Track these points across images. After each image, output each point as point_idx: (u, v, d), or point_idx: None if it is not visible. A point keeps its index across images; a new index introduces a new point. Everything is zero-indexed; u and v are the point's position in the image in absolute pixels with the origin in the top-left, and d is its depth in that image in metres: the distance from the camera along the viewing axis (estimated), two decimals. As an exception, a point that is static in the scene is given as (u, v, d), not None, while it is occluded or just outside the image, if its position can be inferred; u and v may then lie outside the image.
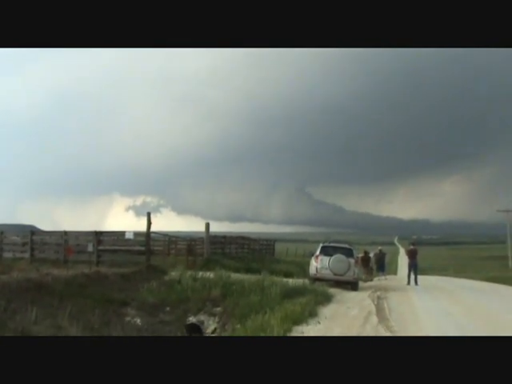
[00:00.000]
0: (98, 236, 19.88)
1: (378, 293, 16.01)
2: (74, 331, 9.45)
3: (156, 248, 23.04)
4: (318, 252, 18.06)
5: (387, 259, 33.07)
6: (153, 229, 19.52)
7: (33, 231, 23.23)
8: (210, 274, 16.26)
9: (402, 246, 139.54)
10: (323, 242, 19.02)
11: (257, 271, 18.86)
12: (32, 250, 21.39)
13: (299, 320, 9.99)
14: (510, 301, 16.08)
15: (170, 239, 25.81)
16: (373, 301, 13.61)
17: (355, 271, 17.59)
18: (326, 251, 17.88)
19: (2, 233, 23.11)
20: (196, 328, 12.79)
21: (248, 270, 20.05)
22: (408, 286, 20.35)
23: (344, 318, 10.85)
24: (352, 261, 17.43)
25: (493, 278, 28.21)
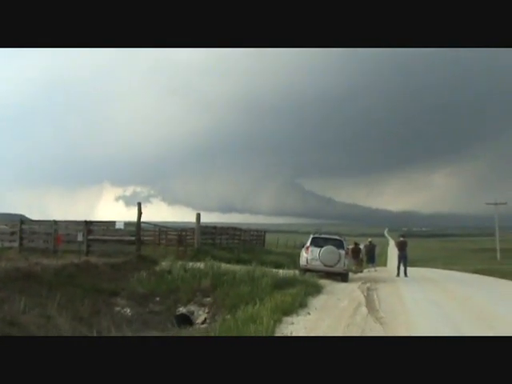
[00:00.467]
0: (88, 225, 19.76)
1: (368, 284, 16.10)
2: (62, 321, 9.40)
3: (146, 238, 22.98)
4: (308, 243, 18.10)
5: (377, 251, 33.27)
6: (143, 219, 19.43)
7: (22, 220, 22.99)
8: (201, 265, 16.25)
9: (392, 237, 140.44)
10: (314, 234, 19.06)
11: (247, 262, 18.89)
12: (21, 239, 21.21)
13: (289, 311, 10.01)
14: (497, 292, 16.24)
15: (161, 229, 25.74)
16: (362, 292, 13.68)
17: (345, 262, 17.66)
18: (316, 242, 17.93)
19: (-10, 222, 22.92)
20: (186, 318, 12.79)
21: (238, 261, 20.08)
22: (397, 278, 20.49)
23: (334, 308, 10.89)
24: (342, 252, 17.50)
25: (481, 270, 28.47)
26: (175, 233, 24.77)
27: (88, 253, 18.73)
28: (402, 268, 21.40)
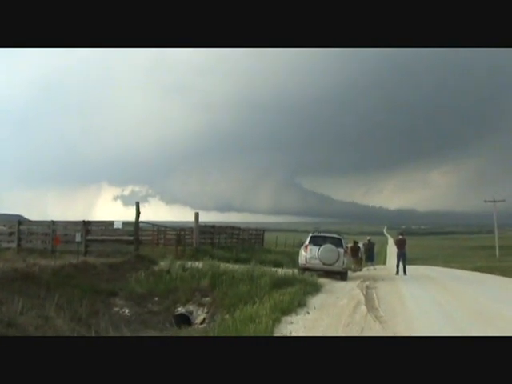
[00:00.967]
0: (87, 226, 19.71)
1: (367, 283, 16.06)
2: (61, 322, 9.35)
3: (145, 238, 22.96)
4: (307, 242, 18.07)
5: (376, 249, 33.27)
6: (141, 218, 19.38)
7: (20, 221, 22.94)
8: (199, 264, 16.21)
9: (391, 236, 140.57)
10: (313, 232, 19.04)
11: (246, 261, 18.85)
12: (19, 239, 21.17)
13: (288, 310, 9.98)
14: (496, 290, 16.21)
15: (159, 229, 25.70)
16: (362, 290, 13.64)
17: (344, 261, 17.63)
18: (315, 241, 17.89)
19: (-12, 222, 22.85)
20: (185, 318, 12.75)
21: (237, 260, 20.06)
22: (397, 276, 20.47)
23: (333, 307, 10.85)
24: (341, 251, 17.46)
25: (480, 267, 28.45)
26: (174, 232, 24.73)
27: (86, 253, 18.68)
28: (401, 266, 21.38)
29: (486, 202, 52.34)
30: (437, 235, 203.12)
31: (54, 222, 20.97)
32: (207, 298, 13.47)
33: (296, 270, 17.16)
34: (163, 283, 14.34)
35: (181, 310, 13.15)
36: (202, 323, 12.39)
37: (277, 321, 8.88)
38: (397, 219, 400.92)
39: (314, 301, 11.71)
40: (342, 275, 17.56)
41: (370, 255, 27.78)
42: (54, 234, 20.01)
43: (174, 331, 11.00)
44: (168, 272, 15.40)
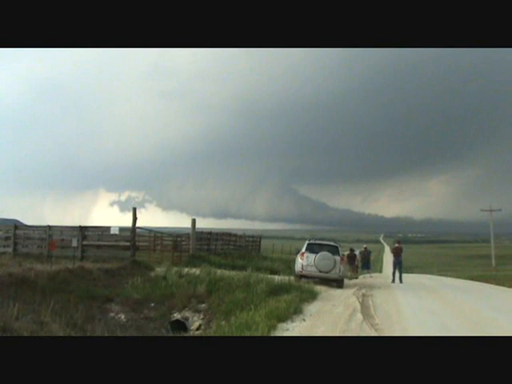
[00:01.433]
0: (83, 231, 19.69)
1: (363, 290, 16.06)
2: (56, 327, 9.32)
3: (141, 244, 22.90)
4: (303, 249, 18.07)
5: (372, 257, 33.29)
6: (138, 224, 19.38)
7: (16, 225, 22.90)
8: (196, 271, 16.18)
9: (388, 244, 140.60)
10: (309, 240, 19.03)
11: (243, 268, 18.82)
12: (15, 244, 21.14)
13: (284, 317, 9.98)
14: (492, 299, 16.22)
15: (156, 235, 25.66)
16: (358, 298, 13.63)
17: (341, 269, 17.62)
18: (311, 248, 17.89)
19: (-16, 227, 22.78)
20: (181, 324, 12.72)
21: (234, 267, 20.03)
22: (393, 284, 20.46)
23: (329, 315, 10.84)
24: (338, 258, 17.46)
25: (476, 276, 28.55)
26: (170, 238, 24.68)
27: (82, 258, 18.66)
28: (397, 274, 21.38)
29: (482, 211, 52.44)
30: (433, 243, 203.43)
31: (50, 227, 20.94)
32: (203, 305, 13.45)
33: (292, 277, 17.15)
34: (159, 289, 14.31)
35: (177, 316, 13.12)
36: (198, 329, 12.36)
37: (273, 328, 8.88)
38: (393, 227, 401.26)
39: (310, 308, 11.71)
40: (338, 283, 17.55)
41: (366, 263, 27.78)
42: (51, 238, 20.00)
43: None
44: (164, 278, 15.37)
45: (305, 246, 18.30)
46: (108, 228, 19.89)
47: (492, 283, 23.43)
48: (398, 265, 21.59)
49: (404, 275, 21.85)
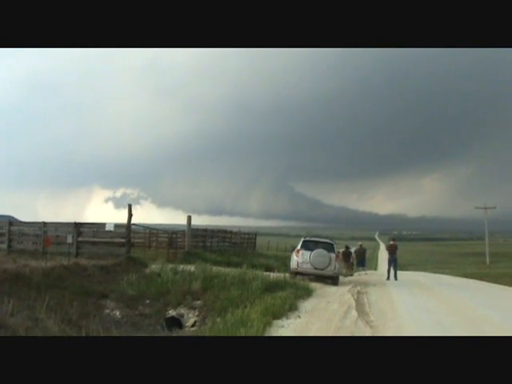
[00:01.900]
0: (78, 227, 19.63)
1: (358, 288, 16.10)
2: (51, 323, 9.31)
3: (137, 240, 22.87)
4: (299, 246, 18.08)
5: (368, 254, 33.38)
6: (133, 221, 19.34)
7: (11, 221, 22.80)
8: (191, 267, 16.18)
9: (383, 241, 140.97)
10: (304, 237, 19.05)
11: (238, 265, 18.82)
12: (10, 240, 21.06)
13: (279, 314, 9.99)
14: (487, 297, 16.31)
15: (151, 232, 25.64)
16: (353, 295, 13.67)
17: (336, 266, 17.65)
18: (307, 246, 17.91)
19: (-22, 223, 22.67)
20: (176, 321, 12.72)
21: (229, 264, 20.02)
22: (388, 281, 20.53)
23: (324, 312, 10.87)
24: (333, 255, 17.49)
25: (471, 274, 28.64)
26: (165, 235, 24.69)
27: (77, 255, 18.61)
28: (392, 272, 21.46)
29: (476, 208, 52.58)
30: (428, 241, 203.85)
31: (45, 224, 20.85)
32: (198, 302, 13.45)
33: (288, 275, 17.17)
34: (154, 286, 14.31)
35: (172, 312, 13.12)
36: (193, 326, 12.37)
37: (268, 324, 8.89)
38: (387, 224, 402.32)
39: (306, 305, 11.73)
40: (333, 280, 17.58)
41: (361, 260, 27.87)
42: (45, 235, 19.92)
43: (164, 334, 10.97)
44: (159, 275, 15.37)
45: (300, 243, 18.32)
46: (103, 225, 19.84)
47: (486, 281, 23.52)
48: (393, 262, 21.67)
49: (399, 272, 21.93)
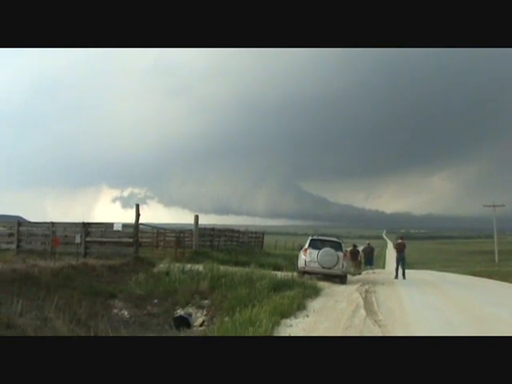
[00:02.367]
0: (86, 227, 19.72)
1: (367, 286, 16.05)
2: (60, 323, 9.35)
3: (144, 240, 22.94)
4: (306, 245, 18.05)
5: (375, 253, 33.28)
6: (140, 221, 19.40)
7: (20, 222, 22.94)
8: (199, 267, 16.19)
9: (390, 239, 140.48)
10: (312, 236, 19.01)
11: (246, 264, 18.83)
12: (19, 241, 21.18)
13: (287, 313, 9.97)
14: (495, 295, 16.21)
15: (159, 231, 25.70)
16: (361, 294, 13.63)
17: (344, 265, 17.60)
18: (314, 244, 17.88)
19: (-13, 223, 22.83)
20: (184, 320, 12.73)
21: (237, 263, 20.03)
22: (396, 280, 20.44)
23: (332, 311, 10.85)
24: (341, 254, 17.44)
25: (479, 272, 28.45)
26: (173, 235, 24.73)
27: (86, 255, 18.70)
28: (400, 270, 21.37)
29: (484, 206, 52.29)
30: (436, 239, 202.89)
31: (53, 224, 20.97)
32: (206, 301, 13.46)
33: (295, 274, 17.15)
34: (162, 285, 14.34)
35: (180, 312, 13.13)
36: (201, 326, 12.37)
37: (276, 324, 8.88)
38: (393, 223, 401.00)
39: (314, 304, 11.71)
40: (341, 279, 17.54)
41: (369, 259, 27.80)
42: (54, 235, 20.02)
43: (173, 333, 10.99)
44: (167, 274, 15.40)
45: (308, 242, 18.29)
46: (111, 224, 19.92)
47: (495, 279, 23.36)
48: (401, 261, 21.58)
49: (407, 271, 21.83)
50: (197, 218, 23.51)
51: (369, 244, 28.49)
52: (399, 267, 21.47)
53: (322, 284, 15.54)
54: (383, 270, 36.99)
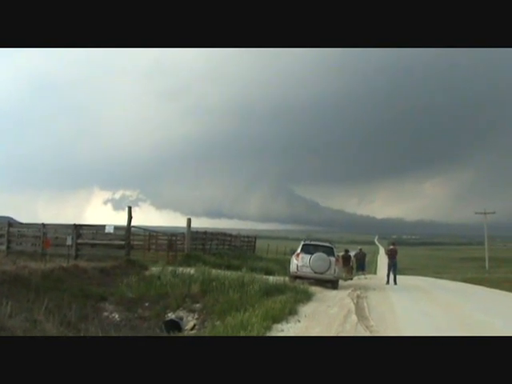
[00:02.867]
0: (78, 229, 19.60)
1: (358, 292, 16.07)
2: (50, 326, 9.28)
3: (136, 243, 22.83)
4: (299, 250, 18.06)
5: (367, 258, 33.39)
6: (132, 223, 19.30)
7: (10, 223, 22.77)
8: (191, 270, 16.14)
9: (382, 245, 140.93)
10: (304, 240, 19.02)
11: (237, 268, 18.80)
12: (9, 242, 21.04)
13: (279, 318, 9.96)
14: (486, 302, 16.28)
15: (151, 234, 25.59)
16: (352, 300, 13.64)
17: (336, 270, 17.62)
18: (307, 249, 17.89)
19: (-23, 224, 22.64)
20: (175, 324, 12.68)
21: (229, 267, 20.00)
22: (387, 286, 20.50)
23: (324, 316, 10.85)
24: (333, 259, 17.47)
25: (470, 279, 28.60)
26: (165, 238, 24.64)
27: (77, 257, 18.58)
28: (391, 276, 21.43)
29: (476, 213, 52.55)
30: (427, 245, 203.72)
31: (44, 225, 20.83)
32: (198, 305, 13.41)
33: (287, 278, 17.14)
34: (154, 289, 14.27)
35: (171, 315, 13.08)
36: (192, 329, 12.33)
37: (268, 328, 8.87)
38: (384, 228, 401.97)
39: (305, 309, 11.70)
40: (333, 284, 17.56)
41: (361, 264, 27.91)
42: (45, 236, 19.90)
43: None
44: (159, 277, 15.33)
45: (300, 246, 18.29)
46: (103, 227, 19.82)
47: (486, 285, 23.51)
48: (393, 266, 21.65)
49: (398, 277, 21.90)
50: (189, 221, 23.46)
51: (361, 250, 28.61)
52: (390, 273, 21.54)
53: (313, 289, 15.54)
54: (375, 275, 37.06)
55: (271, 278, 15.89)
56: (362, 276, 27.47)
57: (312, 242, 18.77)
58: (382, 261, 54.95)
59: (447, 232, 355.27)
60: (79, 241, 19.35)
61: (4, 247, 20.78)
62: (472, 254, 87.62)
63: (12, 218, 33.30)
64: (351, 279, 24.78)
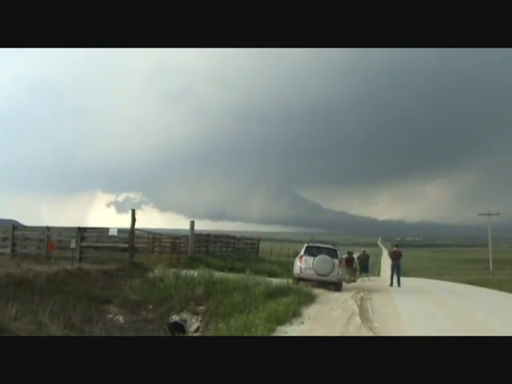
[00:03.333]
0: (82, 232, 19.65)
1: (362, 294, 16.07)
2: (54, 328, 9.31)
3: (140, 245, 22.86)
4: (302, 252, 18.06)
5: (371, 260, 33.33)
6: (135, 226, 19.35)
7: (14, 226, 22.84)
8: (194, 273, 16.18)
9: (385, 247, 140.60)
10: (308, 242, 19.02)
11: (241, 270, 18.81)
12: (13, 245, 21.10)
13: (283, 320, 9.98)
14: (490, 304, 16.24)
15: (154, 236, 25.61)
16: (356, 302, 13.65)
17: (339, 272, 17.62)
18: (310, 251, 17.89)
19: (-18, 227, 22.72)
20: (179, 326, 12.70)
21: (232, 269, 20.01)
22: (391, 288, 20.47)
23: (327, 318, 10.86)
24: (336, 261, 17.47)
25: (474, 280, 28.52)
26: (169, 240, 24.65)
27: (81, 259, 18.64)
28: (395, 278, 21.41)
29: (479, 215, 52.34)
30: (430, 247, 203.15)
31: (48, 228, 20.90)
32: (201, 307, 13.43)
33: (291, 280, 17.15)
34: (158, 291, 14.30)
35: (175, 318, 13.10)
36: (196, 332, 12.35)
37: (271, 330, 8.89)
38: (385, 230, 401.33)
39: (309, 311, 11.71)
40: (336, 286, 17.55)
41: (364, 266, 27.86)
42: (49, 239, 19.96)
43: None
44: (162, 280, 15.36)
45: (303, 248, 18.31)
46: (106, 229, 19.87)
47: (489, 287, 23.45)
48: (396, 268, 21.63)
49: (401, 279, 21.88)
50: (192, 223, 23.50)
51: (364, 252, 28.55)
52: (394, 275, 21.52)
53: (317, 291, 15.55)
54: (378, 277, 37.00)
55: (275, 280, 15.90)
56: (366, 278, 27.44)
57: (315, 244, 18.77)
58: (386, 263, 54.86)
59: (451, 233, 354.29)
60: (83, 244, 19.41)
61: (8, 250, 20.84)
62: (476, 255, 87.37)
63: (16, 222, 33.45)
64: (354, 281, 24.75)
